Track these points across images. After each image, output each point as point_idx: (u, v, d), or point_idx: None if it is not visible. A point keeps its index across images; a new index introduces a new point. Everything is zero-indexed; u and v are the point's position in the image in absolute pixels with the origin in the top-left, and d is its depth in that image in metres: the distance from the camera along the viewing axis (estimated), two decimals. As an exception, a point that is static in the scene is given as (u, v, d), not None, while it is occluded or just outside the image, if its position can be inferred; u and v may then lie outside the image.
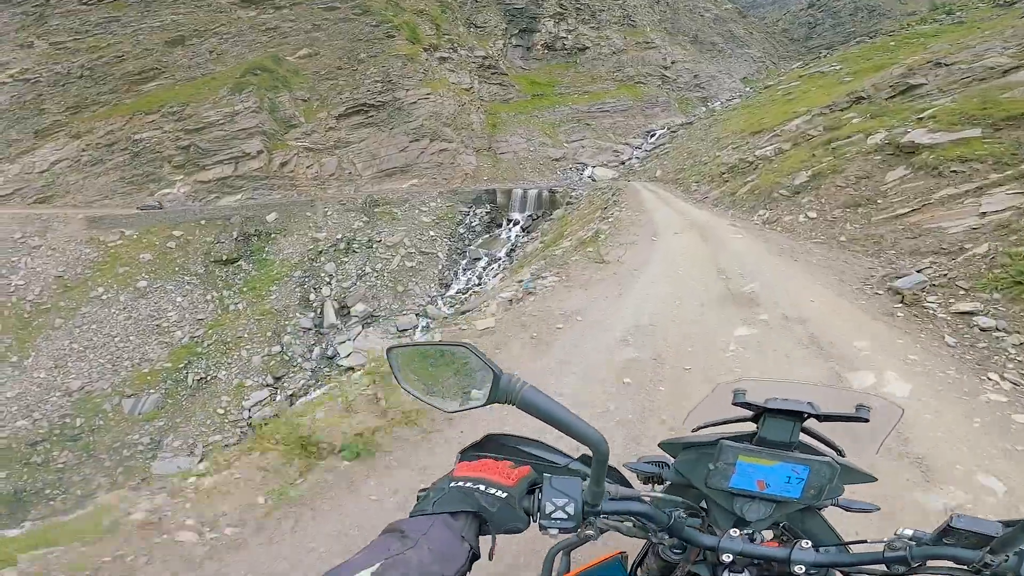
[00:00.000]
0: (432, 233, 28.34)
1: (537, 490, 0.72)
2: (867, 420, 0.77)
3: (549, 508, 0.70)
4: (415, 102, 35.85)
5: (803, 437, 0.80)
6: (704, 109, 56.11)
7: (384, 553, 0.55)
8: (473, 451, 0.83)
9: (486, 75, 46.91)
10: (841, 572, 0.77)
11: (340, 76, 37.01)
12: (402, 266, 25.55)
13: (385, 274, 25.11)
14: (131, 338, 23.68)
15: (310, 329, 23.28)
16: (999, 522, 0.65)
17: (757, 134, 22.60)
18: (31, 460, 19.26)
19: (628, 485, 0.84)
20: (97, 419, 20.51)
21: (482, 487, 0.69)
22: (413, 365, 0.77)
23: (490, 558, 0.67)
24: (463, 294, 24.13)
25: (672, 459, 0.88)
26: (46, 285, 25.47)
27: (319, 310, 24.03)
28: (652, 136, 49.58)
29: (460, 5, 52.20)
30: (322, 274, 25.59)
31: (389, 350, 0.75)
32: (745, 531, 0.78)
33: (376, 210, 29.97)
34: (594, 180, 36.64)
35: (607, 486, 0.73)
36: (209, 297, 25.22)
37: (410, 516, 0.67)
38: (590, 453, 0.70)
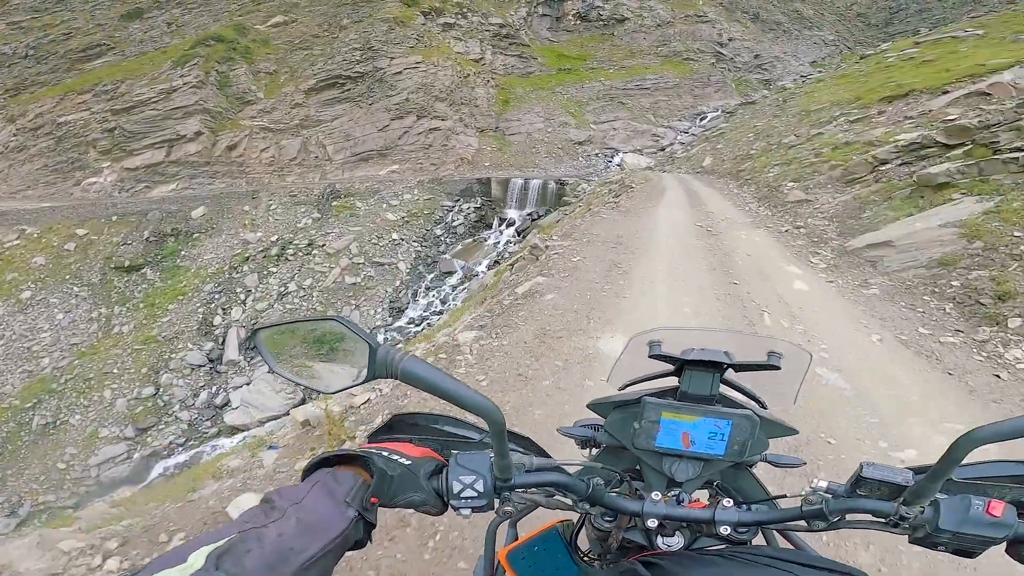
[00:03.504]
0: (395, 236, 21.26)
1: (445, 469, 0.66)
2: (779, 367, 0.74)
3: (457, 487, 0.64)
4: (399, 72, 29.01)
5: (725, 390, 0.77)
6: (766, 92, 46.62)
7: (240, 527, 0.48)
8: (382, 435, 0.77)
9: (502, 45, 39.58)
10: (765, 529, 0.76)
11: (316, 45, 30.83)
12: (340, 283, 18.60)
13: (314, 294, 18.29)
14: (-9, 366, 18.17)
15: (201, 366, 16.79)
16: (910, 470, 0.64)
17: (897, 100, 13.49)
18: None
19: (545, 455, 0.78)
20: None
21: (385, 453, 0.64)
22: (283, 346, 0.69)
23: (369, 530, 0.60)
24: (416, 324, 16.95)
25: (604, 420, 0.83)
26: (-81, 296, 20.51)
27: (222, 339, 17.51)
28: (703, 119, 40.60)
29: (477, -31, 45.07)
30: (239, 289, 19.11)
31: (253, 332, 0.68)
32: (673, 493, 0.75)
33: (334, 203, 23.31)
34: (622, 168, 28.45)
35: (519, 458, 0.67)
36: (95, 315, 19.36)
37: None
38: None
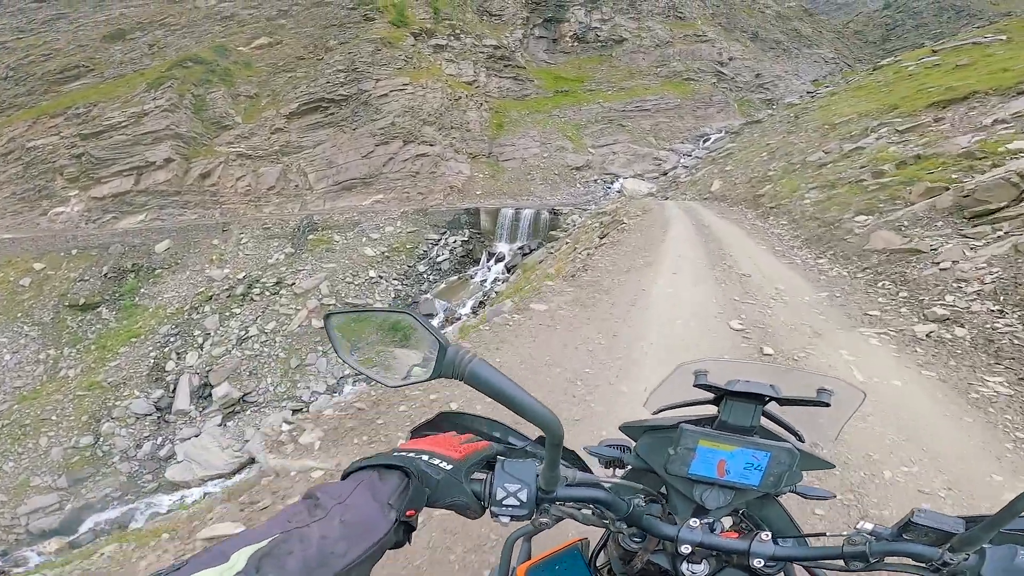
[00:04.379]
0: (373, 273, 19.67)
1: (489, 474, 0.66)
2: (828, 404, 0.74)
3: (500, 494, 0.64)
4: (385, 95, 27.77)
5: (764, 421, 0.77)
6: (771, 110, 45.37)
7: (283, 525, 0.48)
8: (425, 430, 0.78)
9: (497, 67, 38.54)
10: (798, 565, 0.75)
11: (300, 67, 29.73)
12: (307, 327, 16.95)
13: (277, 339, 16.62)
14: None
15: (148, 415, 15.14)
16: (961, 519, 0.63)
17: (955, 104, 11.59)
18: None
19: (587, 470, 0.78)
20: None
21: (425, 457, 0.63)
22: (353, 333, 0.69)
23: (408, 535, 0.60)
24: (385, 375, 15.16)
25: (633, 443, 0.83)
26: None
27: (173, 387, 15.83)
28: (706, 140, 39.25)
29: (473, -10, 44.42)
30: (196, 332, 17.48)
31: (327, 316, 0.66)
32: (705, 520, 0.74)
33: (310, 237, 21.82)
34: (622, 194, 26.93)
35: (563, 471, 0.68)
36: (43, 356, 17.75)
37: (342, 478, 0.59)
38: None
